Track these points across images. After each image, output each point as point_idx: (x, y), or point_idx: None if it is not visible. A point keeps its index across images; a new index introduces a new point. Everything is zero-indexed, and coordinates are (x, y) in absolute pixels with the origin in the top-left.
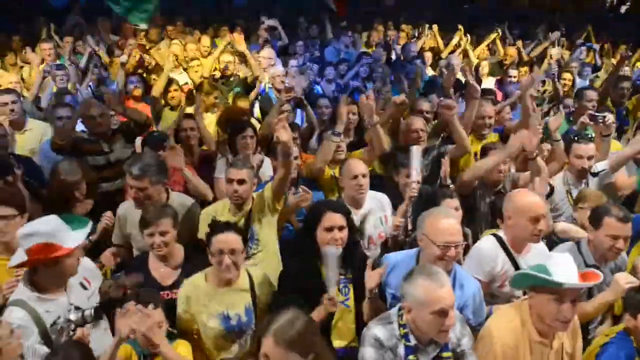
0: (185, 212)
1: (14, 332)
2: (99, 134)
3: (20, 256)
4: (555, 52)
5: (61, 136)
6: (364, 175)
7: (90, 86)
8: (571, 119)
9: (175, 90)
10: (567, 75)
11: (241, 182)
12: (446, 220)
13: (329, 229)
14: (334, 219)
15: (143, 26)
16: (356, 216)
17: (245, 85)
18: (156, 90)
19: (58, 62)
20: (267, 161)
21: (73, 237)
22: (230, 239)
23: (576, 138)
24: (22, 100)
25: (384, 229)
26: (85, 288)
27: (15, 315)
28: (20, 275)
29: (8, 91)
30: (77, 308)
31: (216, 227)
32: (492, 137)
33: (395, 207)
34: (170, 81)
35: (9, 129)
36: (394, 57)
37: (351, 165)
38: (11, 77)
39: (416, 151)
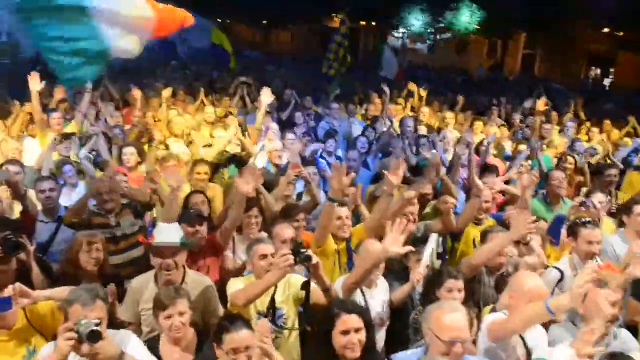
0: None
1: None
2: (107, 209)
3: None
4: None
5: (75, 213)
6: None
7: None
8: (548, 200)
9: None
10: (570, 159)
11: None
12: (452, 315)
13: (345, 332)
14: (350, 321)
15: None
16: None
17: (238, 161)
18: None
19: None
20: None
21: None
22: (244, 337)
23: (584, 223)
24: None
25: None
26: None
27: None
28: None
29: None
30: None
31: (227, 323)
32: (490, 221)
33: None
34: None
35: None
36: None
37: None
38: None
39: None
